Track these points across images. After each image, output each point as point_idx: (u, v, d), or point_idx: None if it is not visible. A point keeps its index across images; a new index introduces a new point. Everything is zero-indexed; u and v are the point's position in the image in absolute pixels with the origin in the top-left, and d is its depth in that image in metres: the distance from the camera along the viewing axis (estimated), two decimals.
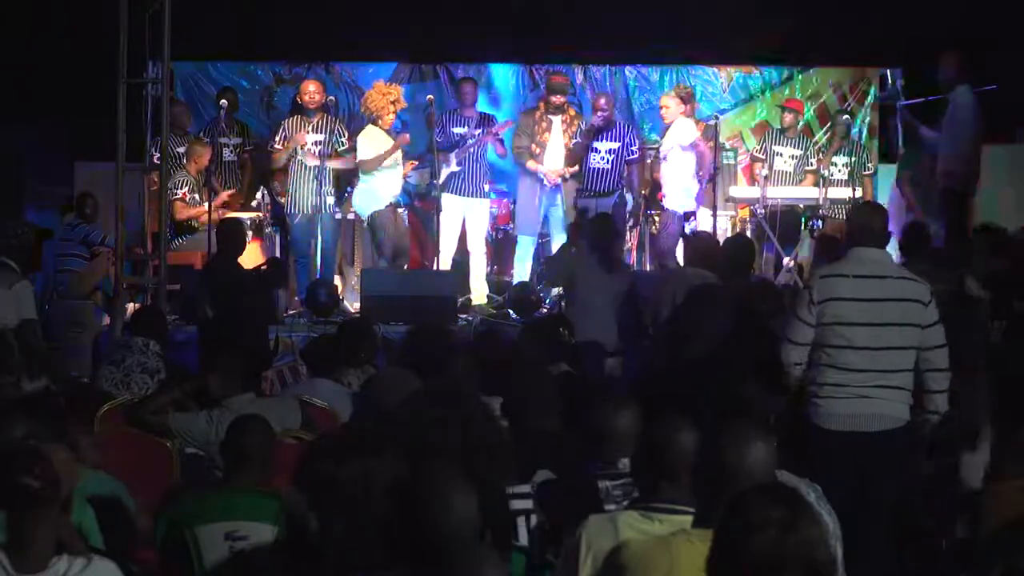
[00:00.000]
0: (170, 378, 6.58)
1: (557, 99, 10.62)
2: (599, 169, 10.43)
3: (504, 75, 12.50)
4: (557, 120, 10.60)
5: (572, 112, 10.82)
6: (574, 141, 10.46)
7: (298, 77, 12.23)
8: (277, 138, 10.47)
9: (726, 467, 3.19)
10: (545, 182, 10.49)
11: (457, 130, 10.66)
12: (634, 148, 10.60)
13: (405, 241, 10.66)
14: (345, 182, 10.78)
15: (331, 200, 10.36)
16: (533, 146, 10.53)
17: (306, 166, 10.26)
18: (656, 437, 3.62)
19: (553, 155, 10.54)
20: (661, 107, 10.82)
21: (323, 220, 10.32)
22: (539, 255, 10.79)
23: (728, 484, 3.08)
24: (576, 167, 10.49)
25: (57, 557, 3.36)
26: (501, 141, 10.75)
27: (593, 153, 10.42)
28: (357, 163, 10.30)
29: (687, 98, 10.76)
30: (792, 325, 5.40)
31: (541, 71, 12.15)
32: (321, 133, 10.36)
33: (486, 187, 10.79)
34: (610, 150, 10.44)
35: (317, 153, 10.23)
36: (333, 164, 10.33)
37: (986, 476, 4.89)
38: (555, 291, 9.78)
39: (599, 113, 10.41)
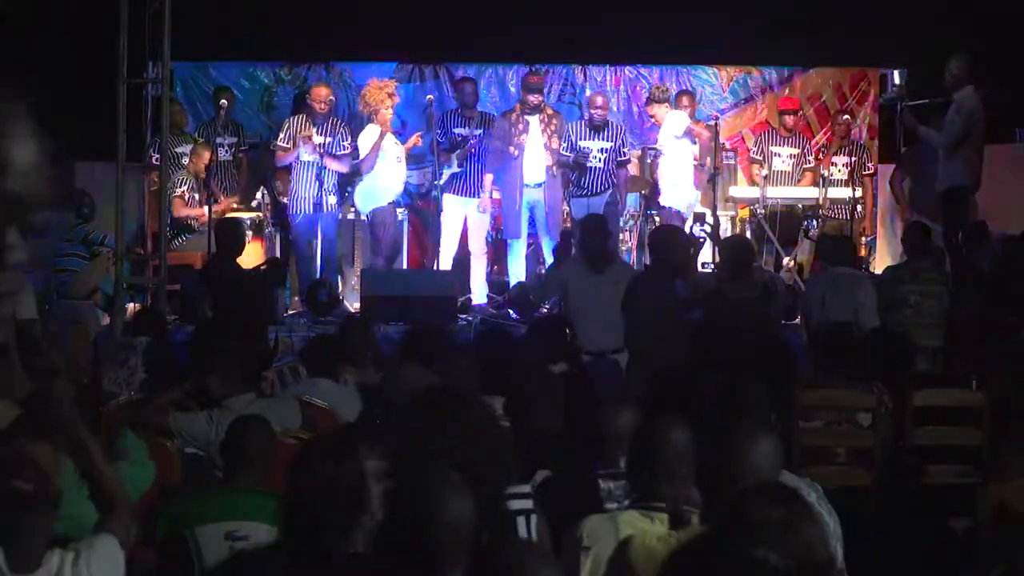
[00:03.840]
0: (170, 378, 6.57)
1: (534, 98, 10.47)
2: (592, 168, 10.38)
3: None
4: (534, 120, 10.47)
5: (549, 111, 10.70)
6: (574, 152, 10.36)
7: (298, 77, 12.24)
8: (282, 136, 10.44)
9: (732, 466, 3.19)
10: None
11: (459, 130, 10.65)
12: (625, 150, 10.56)
13: (401, 241, 10.66)
14: (346, 181, 10.78)
15: (333, 200, 10.37)
16: (511, 148, 10.37)
17: (308, 166, 10.26)
18: (651, 436, 3.62)
19: (533, 155, 10.41)
20: (651, 117, 10.93)
21: (324, 219, 10.34)
22: (531, 258, 10.73)
23: (735, 483, 3.08)
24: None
25: (50, 552, 3.40)
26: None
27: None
28: (357, 163, 10.30)
29: (662, 97, 10.77)
30: None
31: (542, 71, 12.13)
32: (326, 136, 10.35)
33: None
34: (603, 149, 10.40)
35: (319, 153, 10.22)
36: (331, 164, 10.31)
37: (987, 476, 4.90)
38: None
39: (597, 111, 10.39)
